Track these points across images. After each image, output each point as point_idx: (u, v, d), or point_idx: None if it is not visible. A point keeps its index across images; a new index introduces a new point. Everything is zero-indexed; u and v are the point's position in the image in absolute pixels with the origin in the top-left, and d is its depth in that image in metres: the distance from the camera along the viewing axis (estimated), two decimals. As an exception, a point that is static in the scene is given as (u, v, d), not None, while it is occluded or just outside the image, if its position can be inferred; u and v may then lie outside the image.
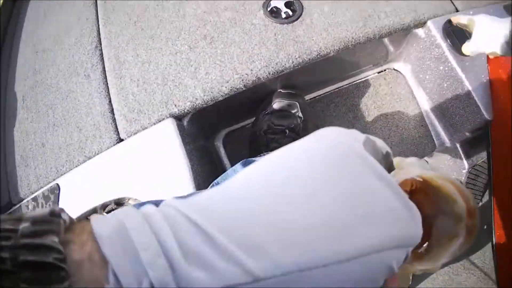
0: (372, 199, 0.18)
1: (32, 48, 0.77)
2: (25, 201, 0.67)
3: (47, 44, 0.76)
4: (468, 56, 0.71)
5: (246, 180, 0.19)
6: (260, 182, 0.19)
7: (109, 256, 0.15)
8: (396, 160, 0.29)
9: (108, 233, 0.16)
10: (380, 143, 0.24)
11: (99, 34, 0.72)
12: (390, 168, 0.25)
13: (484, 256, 0.97)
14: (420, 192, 0.28)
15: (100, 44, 0.71)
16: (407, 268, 0.29)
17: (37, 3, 0.87)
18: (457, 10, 0.76)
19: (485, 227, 0.83)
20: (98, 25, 0.72)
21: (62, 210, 0.16)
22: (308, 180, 0.18)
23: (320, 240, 0.17)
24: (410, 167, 0.29)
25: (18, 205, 0.68)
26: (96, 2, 0.77)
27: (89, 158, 0.63)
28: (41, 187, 0.65)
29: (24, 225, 0.14)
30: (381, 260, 0.18)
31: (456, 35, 0.73)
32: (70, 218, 0.17)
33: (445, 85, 0.78)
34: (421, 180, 0.28)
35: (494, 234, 0.78)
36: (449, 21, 0.73)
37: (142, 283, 0.14)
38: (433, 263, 0.27)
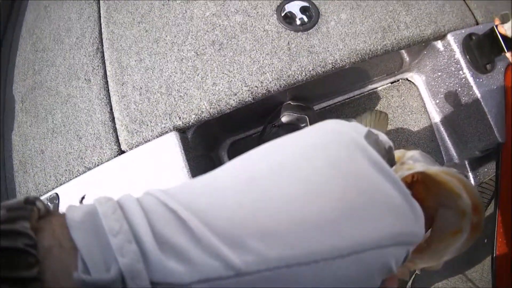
0: (371, 193, 0.16)
1: (32, 46, 0.66)
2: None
3: (47, 43, 0.65)
4: (486, 73, 0.62)
5: (232, 169, 0.17)
6: (248, 170, 0.16)
7: (77, 241, 0.13)
8: (397, 154, 0.25)
9: (79, 219, 0.14)
10: (383, 137, 0.20)
11: (101, 34, 0.61)
12: (392, 163, 0.21)
13: (483, 270, 0.92)
14: (421, 184, 0.24)
15: (102, 45, 0.60)
16: (407, 265, 0.25)
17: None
18: (477, 23, 0.65)
19: (486, 240, 0.77)
20: (100, 25, 0.61)
21: (37, 198, 0.15)
22: (300, 169, 0.16)
23: (311, 233, 0.14)
24: (414, 162, 0.25)
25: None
26: (99, -2, 0.65)
27: (89, 169, 0.55)
28: (40, 196, 0.57)
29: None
30: (379, 258, 0.15)
31: (483, 48, 0.62)
32: (47, 208, 0.15)
33: (459, 101, 0.68)
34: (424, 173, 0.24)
35: (495, 249, 0.73)
36: (470, 36, 0.63)
37: (110, 270, 0.12)
38: (436, 260, 0.24)
